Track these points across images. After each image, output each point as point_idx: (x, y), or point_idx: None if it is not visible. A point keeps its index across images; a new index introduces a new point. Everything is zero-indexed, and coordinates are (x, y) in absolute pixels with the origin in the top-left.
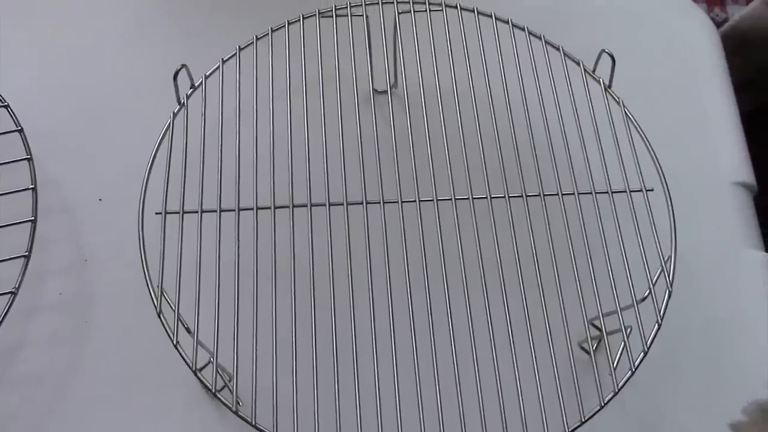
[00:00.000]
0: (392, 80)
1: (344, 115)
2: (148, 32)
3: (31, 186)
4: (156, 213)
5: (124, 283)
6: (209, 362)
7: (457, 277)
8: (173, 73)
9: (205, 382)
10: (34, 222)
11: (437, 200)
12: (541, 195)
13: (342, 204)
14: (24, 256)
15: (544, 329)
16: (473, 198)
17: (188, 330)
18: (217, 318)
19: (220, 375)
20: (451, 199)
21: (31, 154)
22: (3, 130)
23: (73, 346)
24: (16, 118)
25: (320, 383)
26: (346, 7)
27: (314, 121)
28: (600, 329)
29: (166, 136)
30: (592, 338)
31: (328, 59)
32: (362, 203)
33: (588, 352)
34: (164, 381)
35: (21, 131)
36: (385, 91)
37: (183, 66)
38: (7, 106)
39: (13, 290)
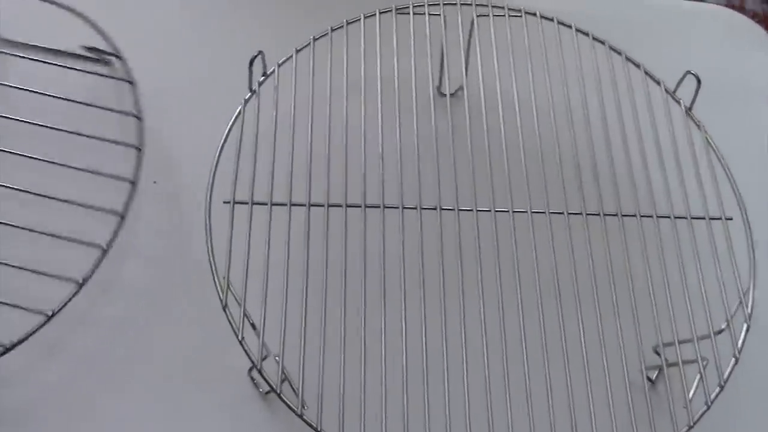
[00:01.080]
0: (459, 84)
1: (408, 116)
2: (224, 15)
3: (136, 145)
4: (224, 202)
5: (184, 273)
6: (269, 360)
7: (525, 293)
8: (248, 59)
9: (269, 381)
10: (134, 184)
11: (495, 211)
12: (619, 215)
13: (415, 208)
14: (120, 215)
15: (614, 353)
16: (549, 212)
17: (253, 326)
18: (284, 315)
19: (287, 377)
20: (509, 211)
21: (141, 114)
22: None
23: (132, 330)
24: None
25: (389, 391)
26: (423, 5)
27: (383, 120)
28: (661, 357)
29: (237, 123)
30: (654, 367)
31: (400, 57)
32: (417, 208)
33: (651, 381)
34: (213, 376)
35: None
36: (452, 94)
37: (260, 52)
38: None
39: (104, 247)
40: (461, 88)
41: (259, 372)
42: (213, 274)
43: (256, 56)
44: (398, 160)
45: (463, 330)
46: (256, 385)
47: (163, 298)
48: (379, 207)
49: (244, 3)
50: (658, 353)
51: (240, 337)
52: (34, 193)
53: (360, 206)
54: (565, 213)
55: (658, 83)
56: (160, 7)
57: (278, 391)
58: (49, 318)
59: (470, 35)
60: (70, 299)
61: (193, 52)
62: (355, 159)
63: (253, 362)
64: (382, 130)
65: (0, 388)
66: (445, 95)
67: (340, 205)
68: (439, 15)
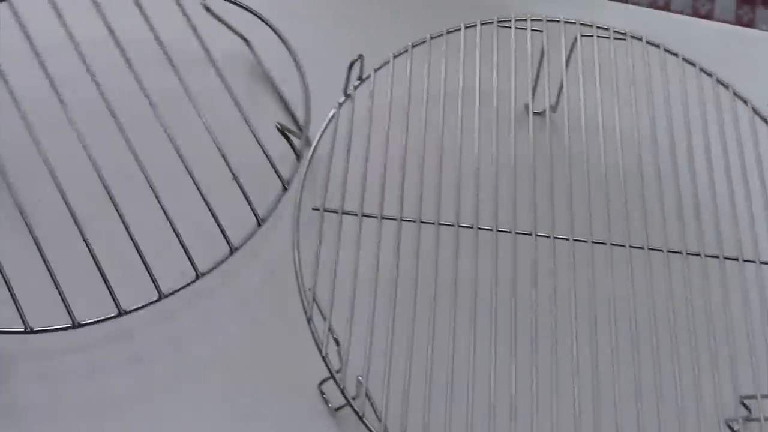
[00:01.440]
0: (553, 102)
1: (501, 132)
2: (319, 19)
3: None
4: (313, 209)
5: (268, 278)
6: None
7: (620, 332)
8: (342, 63)
9: (353, 405)
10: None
11: (573, 240)
12: (721, 257)
13: (509, 231)
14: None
15: (699, 400)
16: (630, 246)
17: (337, 342)
18: (371, 334)
19: (369, 398)
20: (587, 241)
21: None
22: None
23: (215, 332)
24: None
25: (476, 419)
26: (526, 20)
27: (478, 133)
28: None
29: (329, 128)
30: (742, 418)
31: (490, 70)
32: (511, 232)
33: None
34: (281, 386)
35: None
36: (537, 113)
37: (360, 56)
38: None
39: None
40: (550, 107)
41: (342, 392)
42: (299, 285)
43: (355, 60)
44: (495, 178)
45: (555, 365)
46: (325, 400)
47: (243, 302)
48: (471, 228)
49: (343, 8)
50: (744, 405)
51: (324, 353)
52: None
53: (453, 225)
54: (645, 248)
55: (745, 102)
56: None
57: (360, 415)
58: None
59: (570, 54)
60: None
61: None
62: (448, 174)
63: (336, 381)
64: (479, 144)
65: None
66: (538, 113)
67: (432, 223)
68: (541, 31)
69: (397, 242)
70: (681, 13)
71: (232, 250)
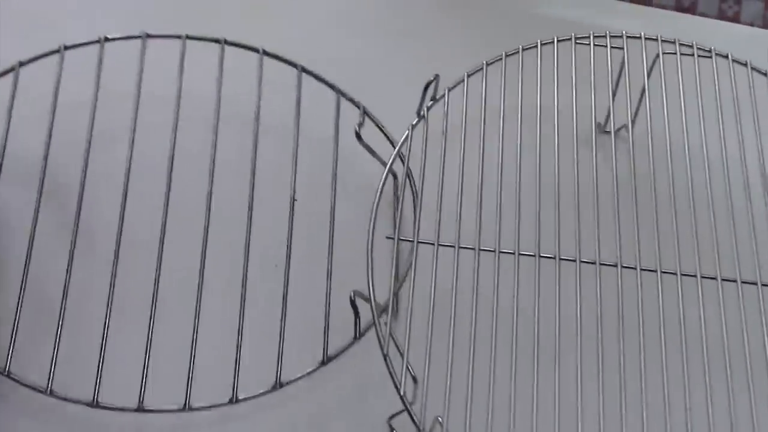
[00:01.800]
0: (623, 123)
1: (581, 153)
2: (389, 39)
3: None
4: (387, 237)
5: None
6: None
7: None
8: (412, 82)
9: None
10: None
11: (661, 272)
12: None
13: (593, 263)
14: None
15: None
16: (721, 279)
17: (414, 380)
18: (449, 371)
19: None
20: (676, 274)
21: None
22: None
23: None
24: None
25: None
26: (605, 36)
27: (552, 155)
28: None
29: (402, 150)
30: None
31: (563, 88)
32: (595, 264)
33: None
34: (348, 420)
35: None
36: (607, 132)
37: (436, 76)
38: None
39: None
40: (624, 126)
41: None
42: (374, 319)
43: (431, 81)
44: (576, 200)
45: (644, 405)
46: None
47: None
48: (553, 258)
49: (415, 27)
50: None
51: (402, 392)
52: None
53: (533, 255)
54: (738, 282)
55: None
56: (332, 28)
57: None
58: None
59: (650, 72)
60: None
61: (361, 75)
62: (527, 197)
63: (416, 424)
64: (558, 167)
65: None
66: (607, 132)
67: (511, 252)
68: (621, 48)
69: (475, 273)
70: (706, 15)
71: None
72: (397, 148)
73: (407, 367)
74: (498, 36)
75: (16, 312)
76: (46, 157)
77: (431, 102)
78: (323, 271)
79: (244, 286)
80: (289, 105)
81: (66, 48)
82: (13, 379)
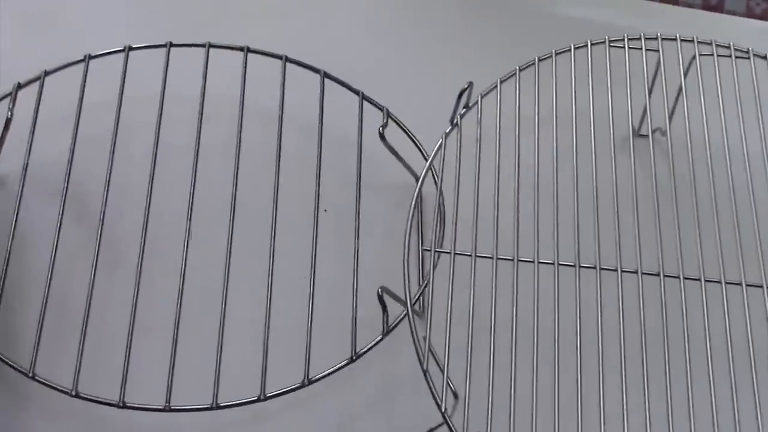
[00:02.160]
0: (657, 126)
1: (607, 158)
2: (420, 47)
3: None
4: (424, 250)
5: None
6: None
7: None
8: (443, 89)
9: None
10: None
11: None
12: None
13: (635, 272)
14: None
15: None
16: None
17: (455, 395)
18: (491, 386)
19: None
20: (720, 282)
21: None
22: None
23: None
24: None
25: None
26: (640, 39)
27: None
28: None
29: (437, 159)
30: None
31: (599, 92)
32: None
33: None
34: None
35: None
36: (642, 135)
37: (470, 84)
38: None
39: None
40: (659, 129)
41: None
42: (412, 334)
43: (465, 88)
44: (614, 206)
45: (692, 417)
46: None
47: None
48: (594, 268)
49: (447, 32)
50: None
51: (443, 408)
52: None
53: (573, 266)
54: None
55: None
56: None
57: None
58: None
59: (686, 73)
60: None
61: (394, 84)
62: (565, 204)
63: None
64: (596, 173)
65: None
66: (642, 136)
67: (551, 263)
68: (657, 51)
69: (514, 284)
70: (733, 13)
71: None
72: (431, 158)
73: (448, 383)
74: (525, 41)
75: (41, 314)
76: (70, 162)
77: (464, 110)
78: (349, 269)
79: (269, 286)
80: (313, 109)
81: (91, 57)
82: (40, 381)
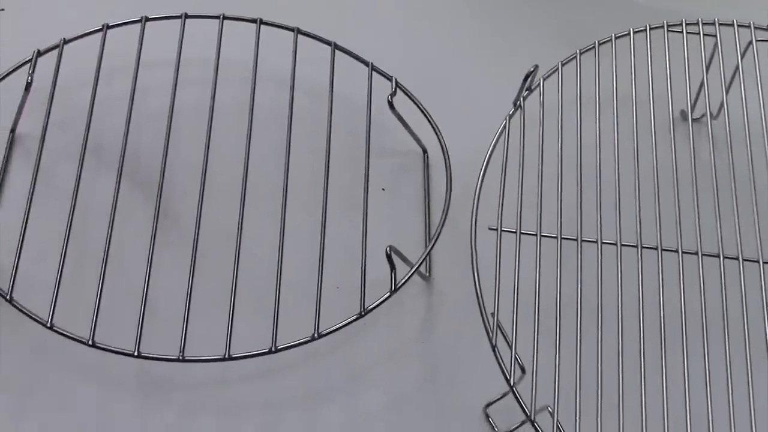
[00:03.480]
0: (715, 110)
1: (663, 139)
2: (494, 29)
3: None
4: (490, 228)
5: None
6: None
7: None
8: (503, 71)
9: None
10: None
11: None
12: None
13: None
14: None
15: None
16: None
17: (523, 369)
18: (557, 361)
19: (560, 429)
20: (759, 262)
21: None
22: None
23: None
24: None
25: None
26: (698, 24)
27: (651, 143)
28: None
29: (500, 141)
30: None
31: (657, 75)
32: (697, 254)
33: None
34: (442, 408)
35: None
36: (696, 119)
37: (536, 67)
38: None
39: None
40: (705, 114)
41: (532, 423)
42: (481, 311)
43: (531, 71)
44: (675, 194)
45: (751, 398)
46: (491, 424)
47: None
48: (655, 249)
49: (520, 11)
50: None
51: (512, 381)
52: None
53: (635, 246)
54: None
55: None
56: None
57: None
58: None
59: (742, 57)
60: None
61: (453, 69)
62: (626, 186)
63: (525, 411)
64: (656, 154)
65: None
66: (696, 119)
67: (613, 243)
68: (714, 36)
69: (578, 264)
70: None
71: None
72: (494, 138)
73: (516, 358)
74: (580, 26)
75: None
76: (126, 135)
77: (526, 92)
78: (358, 229)
79: (281, 246)
80: (349, 95)
81: (109, 27)
82: (101, 348)
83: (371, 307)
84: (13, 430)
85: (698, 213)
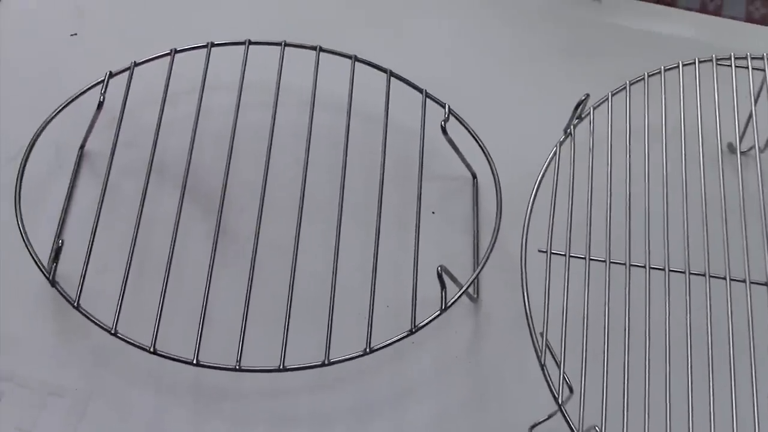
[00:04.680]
0: (762, 143)
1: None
2: (550, 51)
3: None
4: (539, 251)
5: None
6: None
7: None
8: (550, 101)
9: None
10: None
11: None
12: None
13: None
14: None
15: None
16: None
17: (570, 389)
18: (605, 381)
19: None
20: None
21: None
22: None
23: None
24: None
25: None
26: (746, 58)
27: (699, 174)
28: None
29: (551, 167)
30: None
31: (716, 108)
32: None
33: None
34: (487, 428)
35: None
36: (744, 152)
37: (587, 96)
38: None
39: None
40: (753, 147)
41: None
42: (530, 331)
43: (582, 100)
44: (723, 222)
45: None
46: None
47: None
48: (703, 275)
49: (568, 42)
50: None
51: (560, 401)
52: None
53: (683, 272)
54: None
55: None
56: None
57: None
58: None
59: None
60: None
61: (508, 89)
62: (674, 214)
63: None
64: (705, 186)
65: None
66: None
67: (662, 269)
68: (762, 70)
69: (627, 288)
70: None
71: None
72: (545, 163)
73: (564, 377)
74: (629, 59)
75: (162, 290)
76: (190, 153)
77: (577, 120)
78: (409, 250)
79: (335, 259)
80: (401, 120)
81: (176, 51)
82: (161, 355)
83: (422, 324)
84: None
85: (746, 241)
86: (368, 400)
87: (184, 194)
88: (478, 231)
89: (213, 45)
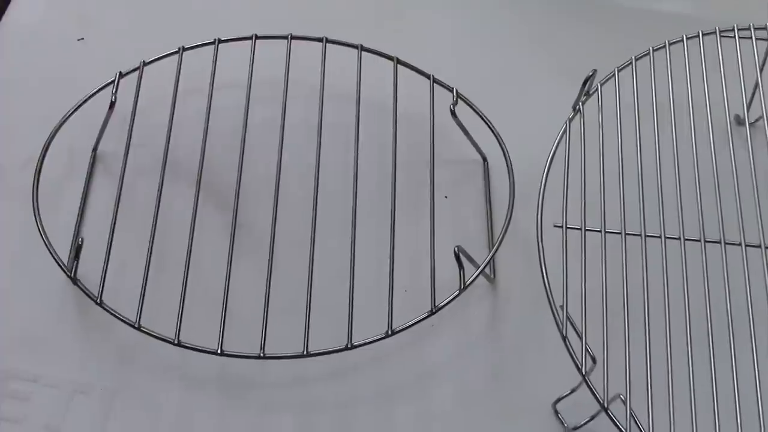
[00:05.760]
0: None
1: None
2: (542, 34)
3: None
4: (555, 225)
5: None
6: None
7: None
8: (559, 77)
9: (619, 424)
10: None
11: None
12: None
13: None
14: None
15: None
16: None
17: (594, 360)
18: (627, 350)
19: (634, 418)
20: None
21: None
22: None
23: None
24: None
25: None
26: (749, 29)
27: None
28: None
29: (562, 143)
30: None
31: (723, 80)
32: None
33: None
34: (509, 404)
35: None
36: (751, 123)
37: (594, 71)
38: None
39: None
40: (760, 118)
41: (606, 413)
42: (550, 304)
43: (590, 76)
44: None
45: None
46: (561, 420)
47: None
48: (719, 243)
49: (569, 22)
50: None
51: (584, 371)
52: None
53: (698, 240)
54: None
55: None
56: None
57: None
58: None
59: None
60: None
61: (513, 71)
62: (687, 186)
63: (599, 401)
64: (715, 157)
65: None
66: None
67: (677, 238)
68: (767, 40)
69: (643, 260)
70: None
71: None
72: (556, 140)
73: (586, 348)
74: (633, 34)
75: (183, 283)
76: (203, 150)
77: (585, 97)
78: (421, 235)
79: (353, 243)
80: (408, 107)
81: (185, 49)
82: (186, 346)
83: (441, 304)
84: (99, 429)
85: (759, 209)
86: (390, 384)
87: (199, 190)
88: (491, 213)
89: (220, 41)
